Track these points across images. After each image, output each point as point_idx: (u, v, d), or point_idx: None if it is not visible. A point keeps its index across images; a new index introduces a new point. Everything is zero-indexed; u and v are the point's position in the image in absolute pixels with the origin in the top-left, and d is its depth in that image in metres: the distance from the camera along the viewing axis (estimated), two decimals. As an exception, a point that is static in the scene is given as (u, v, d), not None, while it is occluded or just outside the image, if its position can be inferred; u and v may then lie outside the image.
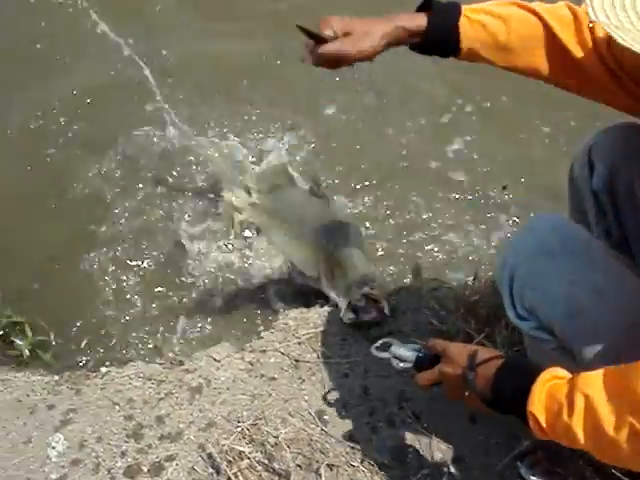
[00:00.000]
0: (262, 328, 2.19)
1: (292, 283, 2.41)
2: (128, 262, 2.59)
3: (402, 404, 1.90)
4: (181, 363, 2.06)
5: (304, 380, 1.96)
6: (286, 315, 2.16)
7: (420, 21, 1.42)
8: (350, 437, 1.83)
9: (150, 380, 1.99)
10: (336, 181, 2.84)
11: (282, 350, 2.04)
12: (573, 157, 1.71)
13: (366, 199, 2.80)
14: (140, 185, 2.83)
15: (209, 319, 2.34)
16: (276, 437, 1.81)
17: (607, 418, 1.06)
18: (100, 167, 2.84)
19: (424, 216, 2.73)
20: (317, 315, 2.13)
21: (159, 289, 2.50)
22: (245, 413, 1.88)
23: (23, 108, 3.09)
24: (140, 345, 2.28)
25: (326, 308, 2.18)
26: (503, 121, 3.10)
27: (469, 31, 1.42)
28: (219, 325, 2.29)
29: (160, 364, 2.09)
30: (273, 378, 1.97)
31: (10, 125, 3.03)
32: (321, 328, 2.09)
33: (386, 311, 2.07)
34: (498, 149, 2.98)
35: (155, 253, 2.60)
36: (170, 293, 2.47)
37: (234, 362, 2.02)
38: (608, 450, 1.10)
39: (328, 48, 1.41)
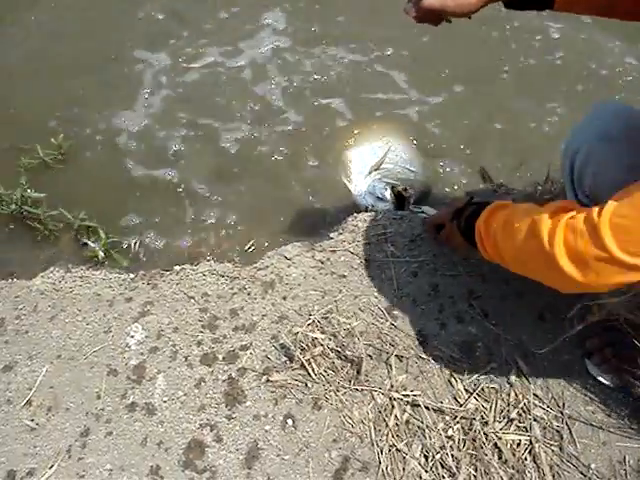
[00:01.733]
0: (332, 229, 2.18)
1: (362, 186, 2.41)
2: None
3: (471, 302, 1.92)
4: (253, 262, 2.09)
5: (373, 278, 1.98)
6: (355, 217, 2.17)
7: None
8: (419, 331, 1.86)
9: (223, 276, 2.04)
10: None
11: (352, 250, 2.06)
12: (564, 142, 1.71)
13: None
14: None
15: (281, 219, 2.36)
16: (347, 329, 1.84)
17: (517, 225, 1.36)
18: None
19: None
20: (386, 218, 2.14)
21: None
22: (316, 307, 1.92)
23: None
24: (214, 246, 2.31)
25: (395, 212, 2.18)
26: None
27: None
28: (290, 225, 2.31)
29: (232, 261, 2.13)
30: (343, 275, 2.00)
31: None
32: (390, 229, 2.10)
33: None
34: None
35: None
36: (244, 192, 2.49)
37: (305, 260, 2.05)
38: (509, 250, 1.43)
39: (430, 1, 1.44)
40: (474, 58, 2.98)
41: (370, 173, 2.45)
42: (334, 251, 2.07)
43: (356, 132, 2.66)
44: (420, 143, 2.63)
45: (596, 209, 1.19)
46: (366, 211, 2.24)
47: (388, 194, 2.34)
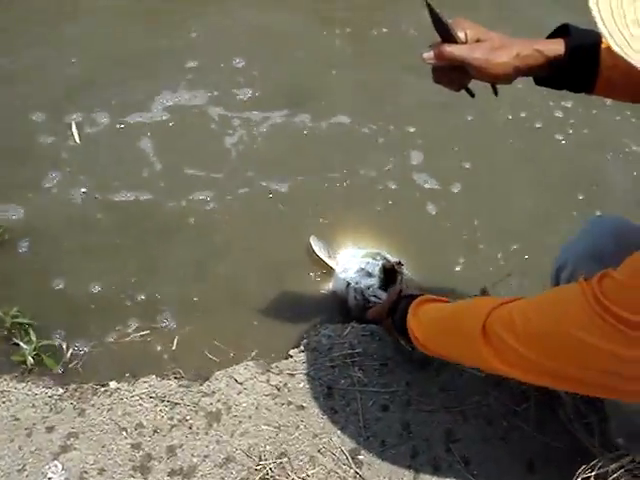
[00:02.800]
0: (292, 345, 1.90)
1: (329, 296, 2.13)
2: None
3: (449, 445, 1.63)
4: (199, 380, 1.80)
5: (337, 411, 1.71)
6: (319, 332, 1.89)
7: (558, 46, 1.20)
8: (388, 482, 1.56)
9: (163, 402, 1.75)
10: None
11: (313, 374, 1.78)
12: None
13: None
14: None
15: (233, 332, 2.05)
16: (302, 479, 1.55)
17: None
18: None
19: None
20: (354, 335, 1.87)
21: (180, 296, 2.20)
22: (268, 448, 1.65)
23: None
24: (156, 359, 2.01)
25: (364, 326, 1.91)
26: None
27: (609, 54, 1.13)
28: (243, 339, 2.01)
29: (176, 379, 1.84)
30: (302, 407, 1.73)
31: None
32: (358, 349, 1.82)
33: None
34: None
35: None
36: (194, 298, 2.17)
37: (258, 386, 1.77)
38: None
39: (457, 50, 1.21)
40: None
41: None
42: (292, 375, 1.79)
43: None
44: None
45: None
46: (347, 288, 2.03)
47: (378, 269, 2.04)
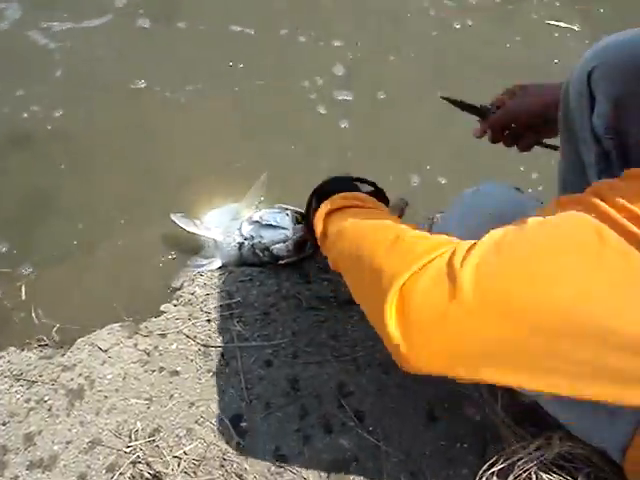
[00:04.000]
0: (162, 300, 1.67)
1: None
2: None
3: (341, 400, 1.46)
4: (61, 350, 1.57)
5: (215, 373, 1.51)
6: (192, 282, 1.66)
7: None
8: (275, 451, 1.41)
9: (20, 380, 1.52)
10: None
11: (187, 332, 1.57)
12: (568, 76, 1.20)
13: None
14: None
15: (93, 289, 1.80)
16: (179, 457, 1.36)
17: None
18: None
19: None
20: (231, 281, 1.64)
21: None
22: (139, 424, 1.45)
23: None
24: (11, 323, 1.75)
25: (244, 270, 1.69)
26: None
27: None
28: (105, 297, 1.76)
29: (37, 349, 1.60)
30: (175, 372, 1.53)
31: None
32: (237, 298, 1.61)
33: None
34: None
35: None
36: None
37: (125, 352, 1.56)
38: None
39: (493, 118, 1.38)
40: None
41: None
42: (164, 335, 1.58)
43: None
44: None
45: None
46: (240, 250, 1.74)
47: (288, 219, 1.76)
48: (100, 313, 1.68)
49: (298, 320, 1.60)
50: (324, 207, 1.20)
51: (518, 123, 1.37)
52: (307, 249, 1.67)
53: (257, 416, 1.46)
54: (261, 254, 1.69)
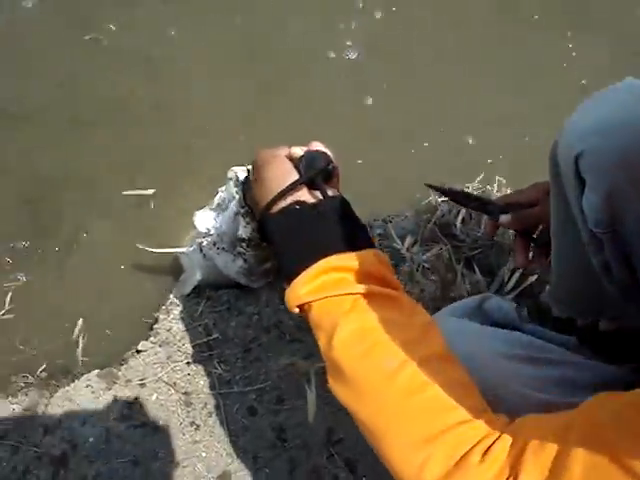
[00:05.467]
0: (139, 335, 1.58)
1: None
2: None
3: (331, 449, 1.38)
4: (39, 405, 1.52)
5: (198, 426, 1.45)
6: (167, 314, 1.57)
7: None
8: (267, 512, 1.35)
9: (3, 445, 1.47)
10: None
11: (166, 379, 1.49)
12: (558, 136, 0.99)
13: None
14: None
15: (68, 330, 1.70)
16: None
17: None
18: None
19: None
20: (209, 311, 1.55)
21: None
22: (125, 490, 1.39)
23: None
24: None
25: (221, 295, 1.57)
26: None
27: None
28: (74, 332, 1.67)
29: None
30: (157, 427, 1.45)
31: None
32: (215, 334, 1.52)
33: None
34: None
35: None
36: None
37: (104, 407, 1.49)
38: None
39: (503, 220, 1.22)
40: None
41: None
42: (143, 384, 1.49)
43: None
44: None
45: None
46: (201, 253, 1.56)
47: (233, 187, 1.42)
48: (71, 351, 1.59)
49: (281, 357, 1.49)
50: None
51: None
52: None
53: (245, 474, 1.40)
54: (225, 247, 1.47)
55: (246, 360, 1.51)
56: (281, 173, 0.93)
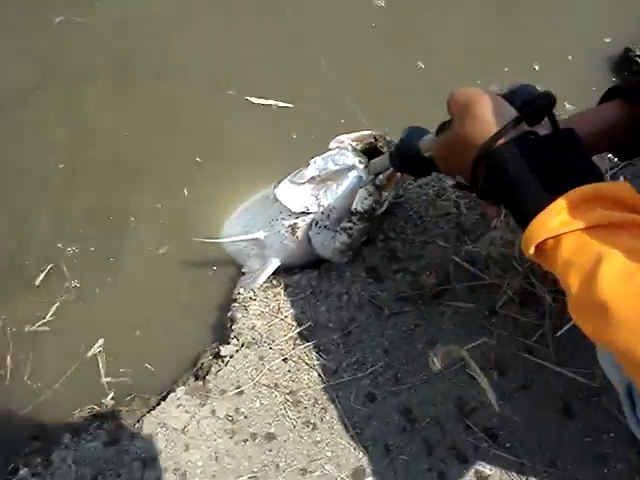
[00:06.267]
0: (219, 339, 1.43)
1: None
2: None
3: (465, 420, 1.29)
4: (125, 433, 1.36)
5: (315, 425, 1.32)
6: (246, 310, 1.42)
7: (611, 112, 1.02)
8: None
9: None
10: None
11: (265, 381, 1.34)
12: None
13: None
14: None
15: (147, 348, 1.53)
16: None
17: None
18: None
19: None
20: (290, 297, 1.40)
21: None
22: (248, 508, 1.27)
23: None
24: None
25: (298, 280, 1.43)
26: None
27: None
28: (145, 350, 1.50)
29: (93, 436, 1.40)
30: (270, 435, 1.31)
31: None
32: (308, 323, 1.37)
33: None
34: None
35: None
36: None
37: (204, 424, 1.33)
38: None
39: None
40: None
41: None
42: (240, 391, 1.34)
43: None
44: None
45: None
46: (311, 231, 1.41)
47: (352, 157, 1.34)
48: (147, 372, 1.43)
49: (385, 333, 1.36)
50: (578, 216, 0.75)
51: None
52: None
53: (380, 465, 1.29)
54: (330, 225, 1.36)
55: (348, 344, 1.38)
56: (497, 106, 0.87)
